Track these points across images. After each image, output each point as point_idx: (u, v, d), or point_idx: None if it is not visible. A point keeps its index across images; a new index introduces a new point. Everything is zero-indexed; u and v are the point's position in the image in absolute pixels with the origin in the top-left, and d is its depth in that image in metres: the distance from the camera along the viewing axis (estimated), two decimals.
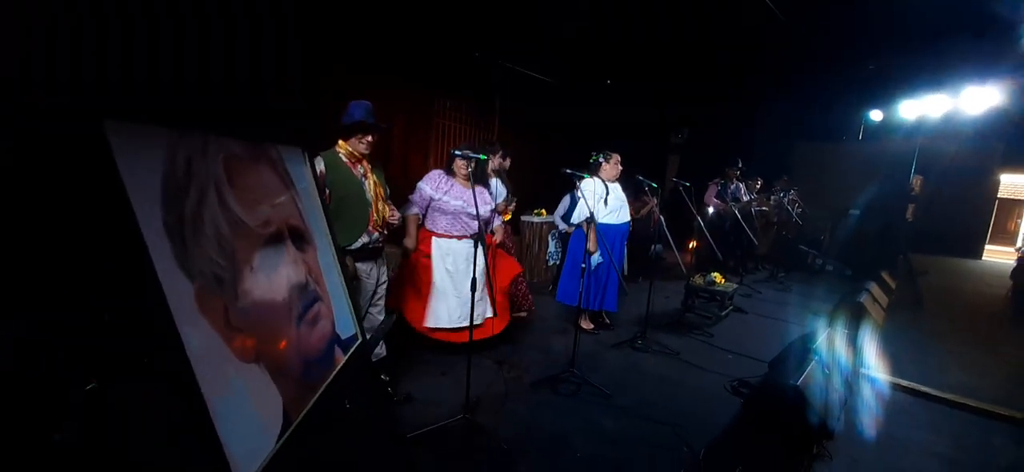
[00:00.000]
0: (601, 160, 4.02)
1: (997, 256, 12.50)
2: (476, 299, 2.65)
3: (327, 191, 2.43)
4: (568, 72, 7.09)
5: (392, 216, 2.73)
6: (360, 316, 2.13)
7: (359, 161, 2.60)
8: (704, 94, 8.57)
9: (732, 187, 6.65)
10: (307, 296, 1.38)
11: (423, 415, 2.60)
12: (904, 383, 3.64)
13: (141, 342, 0.84)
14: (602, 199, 3.89)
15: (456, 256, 3.33)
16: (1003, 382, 3.83)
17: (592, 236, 3.78)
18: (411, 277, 3.38)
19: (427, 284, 3.34)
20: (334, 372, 1.42)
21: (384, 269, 2.84)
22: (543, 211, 5.77)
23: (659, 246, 5.34)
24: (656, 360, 3.73)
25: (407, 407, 2.74)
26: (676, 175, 7.94)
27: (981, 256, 12.32)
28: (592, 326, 4.27)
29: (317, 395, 1.31)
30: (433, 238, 3.33)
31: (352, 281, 2.51)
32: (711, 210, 6.57)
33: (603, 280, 4.07)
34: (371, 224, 2.61)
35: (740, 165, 6.78)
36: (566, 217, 5.18)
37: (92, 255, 0.82)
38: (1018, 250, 11.92)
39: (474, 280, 2.55)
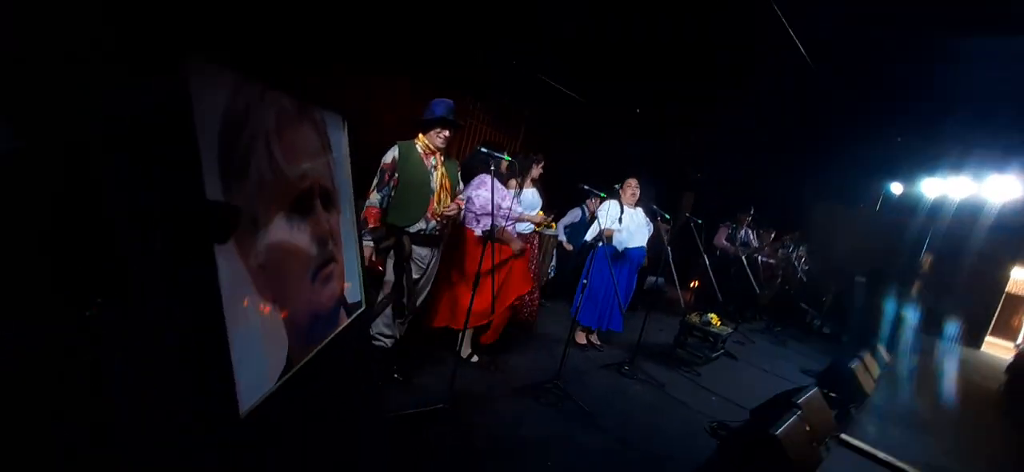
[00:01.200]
0: (617, 186, 4.10)
1: (996, 349, 12.41)
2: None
3: (396, 176, 2.67)
4: (599, 94, 7.17)
5: (450, 208, 2.85)
6: (404, 293, 2.47)
7: (433, 153, 2.79)
8: (727, 137, 8.62)
9: (742, 233, 6.67)
10: (325, 254, 1.46)
11: (407, 400, 2.66)
12: (882, 456, 3.65)
13: (176, 261, 0.90)
14: (616, 219, 3.95)
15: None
16: (994, 467, 3.83)
17: (608, 236, 3.91)
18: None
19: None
20: (336, 331, 1.49)
21: (435, 255, 2.98)
22: (553, 224, 5.83)
23: (661, 279, 5.38)
24: (641, 388, 3.77)
25: (393, 390, 2.80)
26: (689, 211, 7.97)
27: (981, 346, 12.22)
28: (586, 341, 4.33)
29: (318, 348, 1.39)
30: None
31: (406, 261, 2.75)
32: (718, 252, 6.60)
33: (610, 301, 4.14)
34: (429, 212, 2.78)
35: (752, 212, 6.80)
36: (571, 227, 5.26)
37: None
38: (1017, 346, 11.81)
39: (478, 275, 2.62)
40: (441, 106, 2.74)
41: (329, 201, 1.48)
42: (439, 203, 2.80)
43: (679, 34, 5.22)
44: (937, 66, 5.16)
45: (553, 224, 5.04)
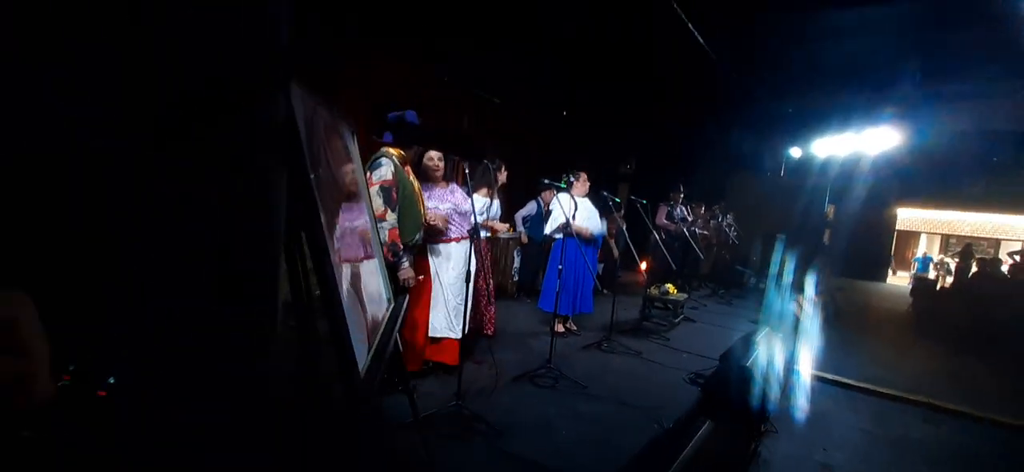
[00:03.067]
0: (571, 179, 4.42)
1: (899, 281, 14.22)
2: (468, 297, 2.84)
3: (397, 191, 2.61)
4: (529, 100, 7.58)
5: (436, 218, 2.92)
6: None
7: (408, 163, 2.82)
8: (649, 128, 9.39)
9: (677, 210, 7.29)
10: (367, 250, 1.57)
11: (418, 405, 2.74)
12: (829, 376, 4.19)
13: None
14: (571, 210, 4.25)
15: (456, 259, 3.21)
16: (910, 375, 4.48)
17: (583, 229, 4.19)
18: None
19: (426, 295, 3.17)
20: (382, 325, 1.60)
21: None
22: (510, 227, 6.07)
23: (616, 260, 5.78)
24: (622, 359, 4.06)
25: (397, 400, 2.86)
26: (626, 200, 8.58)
27: (886, 280, 13.93)
28: (564, 329, 4.58)
29: (378, 336, 1.50)
30: (428, 245, 3.15)
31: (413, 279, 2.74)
32: (662, 231, 7.16)
33: (579, 287, 4.41)
34: (424, 223, 2.80)
35: (682, 190, 7.47)
36: (529, 220, 5.53)
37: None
38: (912, 276, 13.60)
39: (468, 272, 2.69)
40: (410, 116, 2.76)
41: (359, 201, 1.61)
42: (421, 213, 2.84)
43: (593, 37, 5.74)
44: (813, 43, 6.06)
45: (511, 229, 5.27)
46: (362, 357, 1.22)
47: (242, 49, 0.97)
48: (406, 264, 2.65)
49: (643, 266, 6.56)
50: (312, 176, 1.07)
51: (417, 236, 2.80)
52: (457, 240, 3.22)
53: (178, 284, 0.93)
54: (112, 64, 0.92)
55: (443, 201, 3.17)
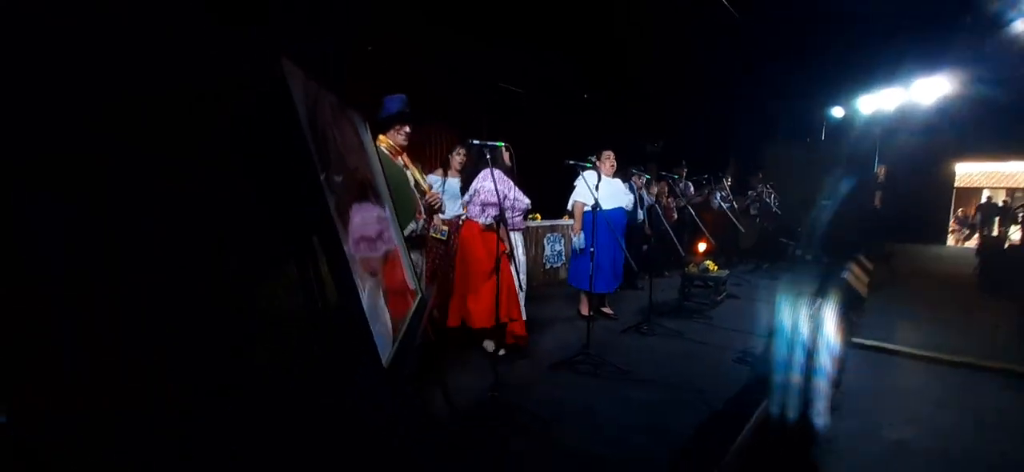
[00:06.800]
0: (594, 159, 4.27)
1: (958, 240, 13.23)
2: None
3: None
4: (549, 88, 7.44)
5: (433, 197, 2.85)
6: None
7: (399, 153, 2.71)
8: (677, 104, 9.06)
9: (681, 185, 7.05)
10: (388, 242, 1.51)
11: (454, 397, 2.69)
12: (891, 346, 3.89)
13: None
14: (593, 187, 4.11)
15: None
16: (985, 339, 4.13)
17: (578, 220, 4.11)
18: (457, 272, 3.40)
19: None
20: (410, 312, 1.54)
21: (423, 260, 2.95)
22: (537, 215, 5.97)
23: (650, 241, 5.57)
24: (664, 342, 3.90)
25: (433, 396, 2.82)
26: (656, 177, 8.32)
27: (945, 242, 13.03)
28: (590, 313, 4.43)
29: (404, 326, 1.43)
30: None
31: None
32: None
33: (613, 267, 4.28)
34: (418, 212, 2.72)
35: (685, 165, 7.26)
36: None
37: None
38: (980, 234, 12.65)
39: (510, 255, 2.68)
40: (396, 102, 2.64)
41: (376, 193, 1.55)
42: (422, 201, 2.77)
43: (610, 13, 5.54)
44: None
45: (538, 216, 5.13)
46: (385, 350, 1.15)
47: (230, 36, 0.91)
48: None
49: (701, 246, 6.28)
50: (322, 175, 1.00)
51: (413, 225, 2.71)
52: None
53: (179, 284, 0.87)
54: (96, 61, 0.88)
55: (510, 190, 3.36)
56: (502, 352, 3.47)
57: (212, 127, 0.93)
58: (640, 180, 4.59)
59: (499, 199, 2.83)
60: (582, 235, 4.19)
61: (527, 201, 3.59)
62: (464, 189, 3.51)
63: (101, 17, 0.90)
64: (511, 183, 3.42)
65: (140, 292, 0.92)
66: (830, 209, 8.69)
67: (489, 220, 3.36)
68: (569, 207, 4.38)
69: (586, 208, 4.15)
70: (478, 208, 3.35)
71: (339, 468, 1.16)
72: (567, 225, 5.88)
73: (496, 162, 3.42)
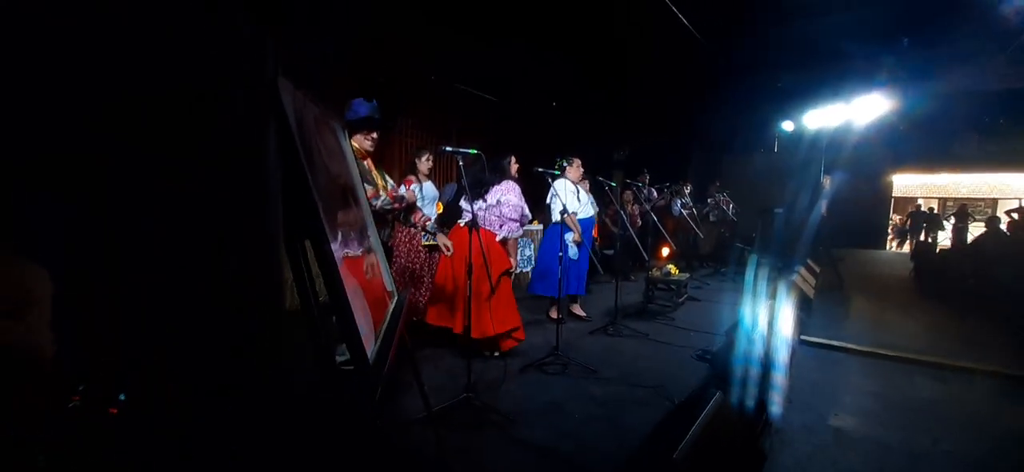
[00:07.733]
0: (565, 164, 4.41)
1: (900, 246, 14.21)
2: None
3: None
4: (517, 94, 7.58)
5: (407, 191, 2.92)
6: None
7: (365, 157, 2.68)
8: (643, 114, 9.40)
9: (645, 192, 7.36)
10: (366, 244, 1.57)
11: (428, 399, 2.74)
12: (835, 343, 4.20)
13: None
14: (575, 195, 4.25)
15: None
16: (919, 336, 4.50)
17: (576, 226, 4.17)
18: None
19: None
20: (389, 313, 1.60)
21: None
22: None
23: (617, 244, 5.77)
24: (629, 342, 4.07)
25: (408, 395, 2.86)
26: (622, 184, 8.61)
27: (886, 247, 13.96)
28: (559, 316, 4.56)
29: (384, 325, 1.49)
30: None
31: None
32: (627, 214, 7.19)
33: (578, 269, 4.42)
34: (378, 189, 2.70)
35: (647, 174, 7.60)
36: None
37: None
38: (912, 241, 13.62)
39: (470, 264, 2.73)
40: (365, 106, 2.57)
41: (355, 199, 1.60)
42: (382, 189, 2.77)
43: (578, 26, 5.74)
44: (799, 19, 6.07)
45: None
46: (369, 349, 1.22)
47: (225, 44, 0.96)
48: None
49: (664, 251, 6.53)
50: (309, 176, 1.06)
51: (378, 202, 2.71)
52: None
53: (179, 286, 0.92)
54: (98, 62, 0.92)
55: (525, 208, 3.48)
56: (496, 354, 3.54)
57: (212, 127, 0.98)
58: (610, 191, 4.75)
59: (521, 217, 2.85)
60: (574, 246, 4.30)
61: (529, 214, 3.72)
62: (463, 193, 3.50)
63: (101, 17, 0.93)
64: (521, 195, 3.51)
65: (140, 292, 0.96)
66: (782, 217, 9.17)
67: (509, 234, 3.43)
68: (556, 217, 4.28)
69: (577, 217, 4.29)
70: (496, 219, 3.40)
71: (332, 466, 1.21)
72: (536, 230, 5.99)
73: (506, 173, 3.49)
